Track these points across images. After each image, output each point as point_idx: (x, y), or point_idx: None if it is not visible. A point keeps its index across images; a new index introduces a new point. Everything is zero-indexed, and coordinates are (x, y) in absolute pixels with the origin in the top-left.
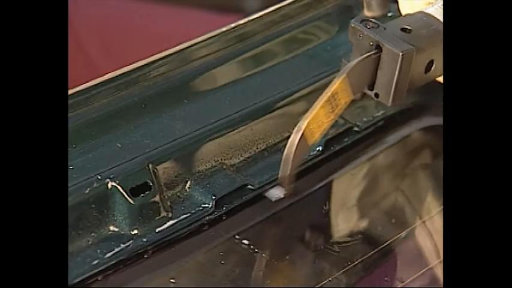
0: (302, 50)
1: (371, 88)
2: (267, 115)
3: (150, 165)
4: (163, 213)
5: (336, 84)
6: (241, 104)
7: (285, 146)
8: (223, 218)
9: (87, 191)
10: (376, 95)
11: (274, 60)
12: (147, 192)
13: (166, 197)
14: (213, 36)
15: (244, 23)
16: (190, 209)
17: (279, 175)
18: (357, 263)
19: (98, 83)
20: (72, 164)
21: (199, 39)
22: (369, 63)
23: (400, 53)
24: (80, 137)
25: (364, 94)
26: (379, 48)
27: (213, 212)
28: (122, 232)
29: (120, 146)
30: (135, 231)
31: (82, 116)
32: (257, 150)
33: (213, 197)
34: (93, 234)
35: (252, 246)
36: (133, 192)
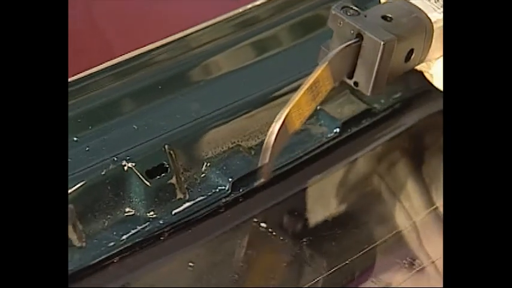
0: (317, 33)
1: (350, 76)
2: (283, 97)
3: (167, 147)
4: (180, 195)
5: (318, 72)
6: (258, 86)
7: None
8: (240, 200)
9: (103, 173)
10: (356, 83)
11: (288, 44)
12: (163, 174)
13: (182, 179)
14: (228, 19)
15: (261, 4)
16: (207, 191)
17: (259, 163)
18: (376, 245)
19: (114, 65)
20: (88, 146)
21: (214, 20)
22: (349, 51)
23: (382, 42)
24: (96, 119)
25: (343, 82)
26: (360, 36)
27: (230, 194)
28: (138, 214)
29: (136, 127)
30: (152, 213)
31: (98, 97)
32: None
33: (230, 179)
34: (109, 216)
35: (270, 229)
36: (150, 174)
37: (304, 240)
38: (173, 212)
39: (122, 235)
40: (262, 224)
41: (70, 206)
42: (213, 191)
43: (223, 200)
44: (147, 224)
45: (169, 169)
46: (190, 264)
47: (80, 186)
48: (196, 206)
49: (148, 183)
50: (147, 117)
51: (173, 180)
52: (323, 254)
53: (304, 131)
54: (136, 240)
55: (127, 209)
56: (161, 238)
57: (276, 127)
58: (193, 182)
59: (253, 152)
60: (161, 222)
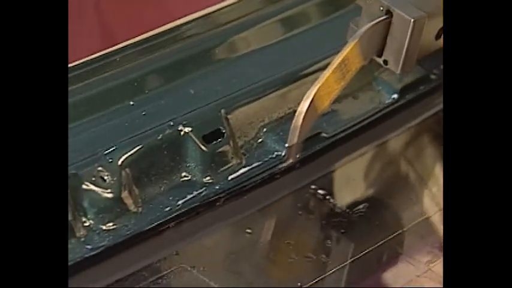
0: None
1: (380, 54)
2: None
3: (223, 112)
4: (236, 161)
5: (347, 50)
6: (315, 52)
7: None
8: (297, 166)
9: (159, 137)
10: (385, 61)
11: (317, 21)
12: (219, 140)
13: (239, 144)
14: None
15: None
16: (263, 157)
17: (287, 143)
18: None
19: (169, 29)
20: (145, 110)
21: None
22: (378, 28)
23: (412, 20)
24: (152, 83)
25: (372, 60)
26: (389, 13)
27: (286, 160)
28: (195, 179)
29: (192, 92)
30: (208, 179)
31: (154, 62)
32: None
33: (286, 145)
34: (165, 181)
35: (327, 197)
36: (206, 139)
37: (361, 207)
38: (229, 178)
39: (178, 200)
40: (320, 191)
41: (126, 170)
42: (269, 156)
43: (280, 166)
44: (203, 189)
45: (225, 134)
46: (248, 230)
47: (136, 151)
48: (252, 171)
49: (204, 148)
50: (204, 82)
51: (229, 146)
52: (382, 222)
53: (361, 97)
54: (193, 206)
55: (183, 174)
56: (217, 204)
57: (304, 106)
58: (250, 148)
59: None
60: (217, 187)
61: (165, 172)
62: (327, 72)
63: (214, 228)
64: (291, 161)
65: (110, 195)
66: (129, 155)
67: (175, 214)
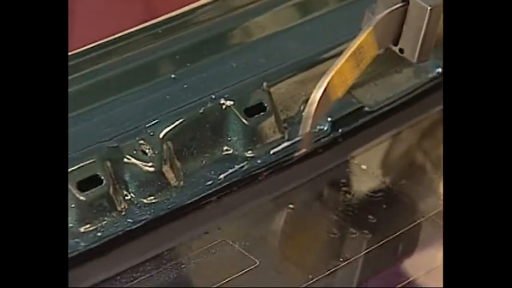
0: None
1: (396, 43)
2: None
3: (265, 85)
4: (278, 135)
5: (362, 37)
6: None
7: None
8: (339, 140)
9: (201, 111)
10: (401, 50)
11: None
12: (261, 113)
13: (281, 118)
14: None
15: None
16: None
17: (299, 132)
18: None
19: (211, 2)
20: (186, 83)
21: None
22: (394, 16)
23: (429, 8)
24: (194, 56)
25: (387, 49)
26: (406, 0)
27: (329, 134)
28: (236, 153)
29: (234, 65)
30: (250, 153)
31: (196, 35)
32: (373, 73)
33: (329, 119)
34: (207, 155)
35: (371, 172)
36: (248, 112)
37: (403, 181)
38: (271, 152)
39: (220, 174)
40: (363, 166)
41: (168, 143)
42: (312, 130)
43: (322, 140)
44: (245, 163)
45: (267, 108)
46: (290, 206)
47: (177, 124)
48: (294, 145)
49: (246, 122)
50: (246, 55)
51: (271, 119)
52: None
53: (405, 71)
54: (234, 180)
55: (225, 148)
56: (259, 178)
57: (317, 95)
58: (292, 122)
59: (353, 93)
60: (259, 161)
61: (207, 146)
62: (340, 61)
63: (256, 202)
64: (303, 150)
65: (151, 169)
66: (171, 129)
67: (216, 188)
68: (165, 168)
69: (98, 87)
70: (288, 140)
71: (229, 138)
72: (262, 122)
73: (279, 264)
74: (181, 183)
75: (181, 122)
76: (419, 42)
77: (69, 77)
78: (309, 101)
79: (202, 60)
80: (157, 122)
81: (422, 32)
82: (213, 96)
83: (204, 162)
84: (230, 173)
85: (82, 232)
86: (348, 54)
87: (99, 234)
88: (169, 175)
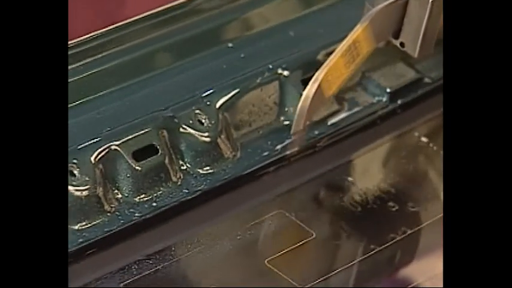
0: None
1: (396, 36)
2: None
3: (323, 56)
4: (336, 106)
5: (357, 32)
6: None
7: None
8: (398, 112)
9: (258, 81)
10: (402, 44)
11: None
12: None
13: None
14: None
15: None
16: (364, 102)
17: (292, 129)
18: None
19: None
20: (243, 53)
21: None
22: (395, 9)
23: (430, 0)
24: (252, 25)
25: (389, 42)
26: None
27: (387, 105)
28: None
29: (292, 35)
30: (307, 123)
31: (254, 4)
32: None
33: (388, 90)
34: (263, 126)
35: (431, 144)
36: (306, 83)
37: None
38: (329, 123)
39: (276, 145)
40: (423, 139)
41: (224, 113)
42: (370, 101)
43: (380, 112)
44: (302, 133)
45: None
46: (349, 178)
47: (234, 94)
48: (352, 117)
49: (303, 93)
50: (305, 24)
51: None
52: None
53: None
54: (291, 151)
55: (282, 118)
56: (316, 149)
57: (311, 91)
58: (350, 93)
59: (411, 61)
60: (316, 132)
61: (263, 116)
62: (334, 57)
63: (314, 174)
64: (296, 148)
65: (207, 139)
66: (227, 99)
67: (273, 159)
68: (222, 139)
69: (154, 56)
70: (345, 111)
71: (286, 109)
72: None
73: (335, 236)
74: (238, 153)
75: (238, 91)
76: (421, 35)
77: (122, 47)
78: (303, 97)
79: (260, 29)
80: (213, 92)
81: (424, 25)
82: (271, 66)
83: (260, 132)
84: (287, 144)
85: (137, 202)
86: (343, 50)
87: (154, 204)
88: (226, 145)
